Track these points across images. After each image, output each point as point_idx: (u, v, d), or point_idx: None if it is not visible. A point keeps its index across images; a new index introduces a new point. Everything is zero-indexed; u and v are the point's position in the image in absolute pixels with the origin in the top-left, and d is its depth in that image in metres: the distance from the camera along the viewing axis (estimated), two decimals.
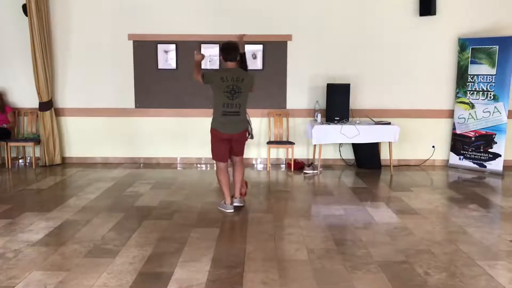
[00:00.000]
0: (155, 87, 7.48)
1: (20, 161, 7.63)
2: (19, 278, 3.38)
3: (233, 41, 4.95)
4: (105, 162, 7.63)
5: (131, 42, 7.39)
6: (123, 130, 7.58)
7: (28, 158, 7.63)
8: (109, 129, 7.57)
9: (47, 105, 7.29)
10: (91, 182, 6.31)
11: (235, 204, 5.08)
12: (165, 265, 3.63)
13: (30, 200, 5.50)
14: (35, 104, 7.38)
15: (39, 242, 4.10)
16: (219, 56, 5.00)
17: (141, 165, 7.55)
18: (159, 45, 7.38)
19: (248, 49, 7.32)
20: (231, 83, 4.77)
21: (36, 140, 7.33)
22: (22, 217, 4.79)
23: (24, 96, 7.48)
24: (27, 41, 7.11)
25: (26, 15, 7.02)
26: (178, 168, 7.36)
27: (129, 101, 7.52)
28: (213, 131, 4.94)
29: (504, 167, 7.00)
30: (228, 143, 4.99)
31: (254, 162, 7.68)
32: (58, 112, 7.51)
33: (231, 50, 4.86)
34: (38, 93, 7.22)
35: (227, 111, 4.82)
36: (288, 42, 7.39)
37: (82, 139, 7.62)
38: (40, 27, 7.01)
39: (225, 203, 5.06)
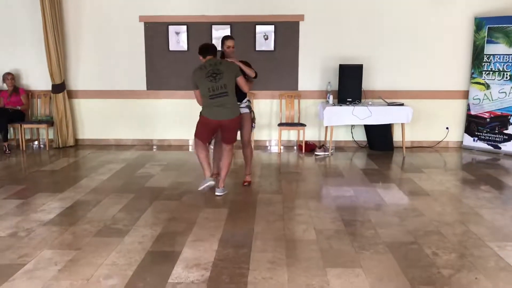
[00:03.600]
0: (166, 69, 7.47)
1: (34, 143, 7.73)
2: (30, 256, 3.44)
3: (210, 43, 4.97)
4: (117, 144, 7.69)
5: (142, 23, 7.37)
6: (135, 112, 7.61)
7: (42, 140, 7.73)
8: (121, 111, 7.61)
9: (59, 87, 7.34)
10: (103, 164, 6.37)
11: (216, 193, 4.92)
12: (174, 244, 3.66)
13: (43, 181, 5.58)
14: (48, 87, 7.44)
15: (50, 221, 4.16)
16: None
17: (154, 147, 7.60)
18: (170, 27, 7.35)
19: (260, 30, 7.28)
20: (210, 68, 4.71)
21: (50, 122, 7.41)
22: (35, 197, 4.86)
23: (37, 78, 7.55)
24: (39, 24, 7.15)
25: None
26: (190, 150, 7.38)
27: (141, 83, 7.53)
28: (201, 117, 4.89)
29: None
30: (215, 130, 4.91)
31: (267, 144, 7.66)
32: (71, 94, 7.56)
33: (209, 49, 4.83)
34: (51, 75, 7.27)
35: (214, 94, 4.69)
36: (300, 23, 7.30)
37: (94, 121, 7.67)
38: (52, 9, 7.02)
39: (204, 178, 4.90)
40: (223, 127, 4.84)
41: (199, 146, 4.92)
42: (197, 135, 4.93)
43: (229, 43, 5.09)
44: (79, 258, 3.42)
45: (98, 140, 7.70)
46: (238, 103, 5.04)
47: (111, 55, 7.47)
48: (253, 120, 5.28)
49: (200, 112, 4.91)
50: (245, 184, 5.35)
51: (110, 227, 4.04)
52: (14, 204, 4.63)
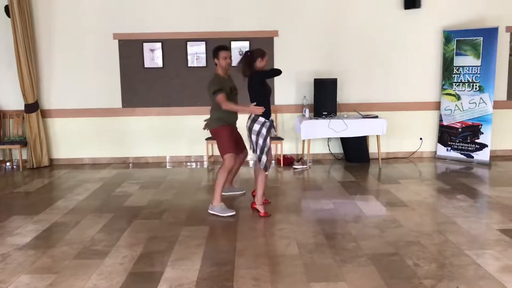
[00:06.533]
0: (142, 86, 7.43)
1: (7, 164, 7.55)
2: (7, 282, 3.34)
3: (220, 48, 5.02)
4: (93, 163, 7.58)
5: (116, 41, 7.33)
6: (111, 130, 7.53)
7: (15, 160, 7.55)
8: (96, 129, 7.52)
9: (33, 106, 7.21)
10: (79, 183, 6.27)
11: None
12: (156, 264, 3.62)
13: (17, 203, 5.45)
14: (21, 106, 7.30)
15: (27, 245, 4.06)
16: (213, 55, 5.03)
17: (130, 164, 7.51)
18: (144, 44, 7.34)
19: (235, 45, 7.32)
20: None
21: (23, 142, 7.26)
22: (9, 220, 4.74)
23: (9, 98, 7.39)
24: (11, 43, 7.03)
25: (9, 16, 6.93)
26: (167, 167, 7.33)
27: (116, 101, 7.47)
28: None
29: (490, 157, 7.06)
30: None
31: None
32: (44, 114, 7.43)
33: (214, 50, 5.07)
34: (23, 95, 7.14)
35: None
36: (275, 38, 7.38)
37: (69, 140, 7.55)
38: (23, 28, 6.93)
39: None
40: None
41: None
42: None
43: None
44: (59, 282, 3.34)
45: (74, 159, 7.58)
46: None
47: (85, 73, 7.40)
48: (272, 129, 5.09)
49: None
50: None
51: (89, 248, 3.96)
52: None
